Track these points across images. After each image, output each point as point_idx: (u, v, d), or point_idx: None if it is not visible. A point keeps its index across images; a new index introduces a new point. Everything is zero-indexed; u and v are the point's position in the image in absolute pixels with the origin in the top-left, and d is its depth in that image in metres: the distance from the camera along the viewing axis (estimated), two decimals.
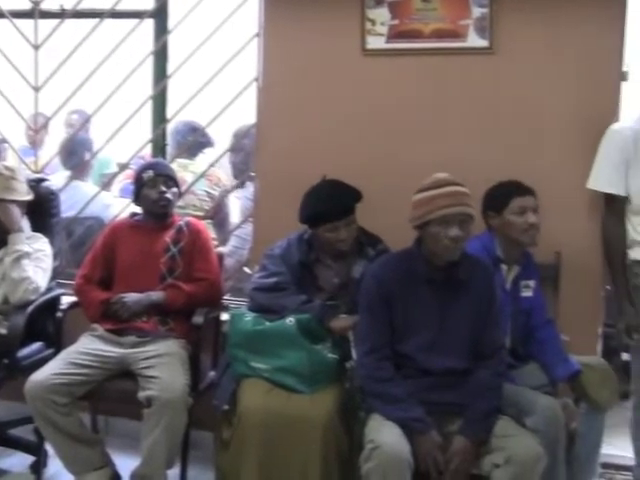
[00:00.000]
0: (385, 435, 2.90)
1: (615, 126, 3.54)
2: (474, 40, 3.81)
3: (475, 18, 3.79)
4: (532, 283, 3.55)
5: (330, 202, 3.43)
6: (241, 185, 4.88)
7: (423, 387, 3.06)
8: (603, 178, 3.52)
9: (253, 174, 4.37)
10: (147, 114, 4.56)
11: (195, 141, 4.90)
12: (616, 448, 3.96)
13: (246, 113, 4.36)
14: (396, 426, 2.94)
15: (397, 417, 2.97)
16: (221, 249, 4.44)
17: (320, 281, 3.54)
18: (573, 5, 3.72)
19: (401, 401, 3.01)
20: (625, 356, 4.16)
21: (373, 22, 3.89)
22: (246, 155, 4.85)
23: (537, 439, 2.98)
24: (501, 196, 3.44)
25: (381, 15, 3.87)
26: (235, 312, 3.53)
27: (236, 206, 5.07)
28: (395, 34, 3.88)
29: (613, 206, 3.54)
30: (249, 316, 3.44)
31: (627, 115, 3.68)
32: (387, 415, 2.99)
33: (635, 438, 3.63)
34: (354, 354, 3.26)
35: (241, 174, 4.86)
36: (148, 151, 4.71)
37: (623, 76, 3.77)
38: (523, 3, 3.77)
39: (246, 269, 4.36)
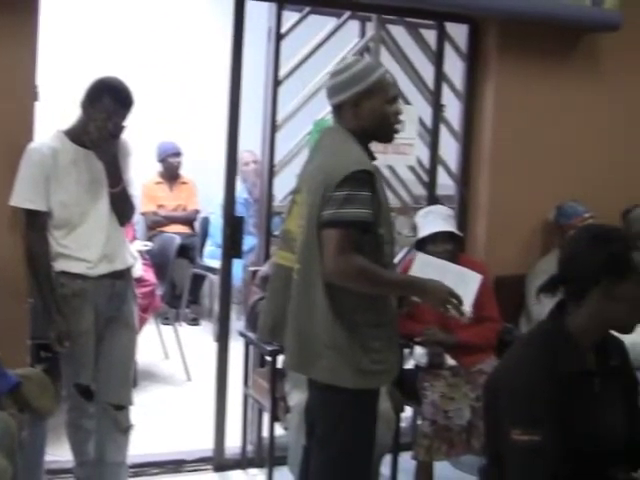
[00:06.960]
0: None
1: (33, 144, 3.63)
2: None
3: None
4: None
5: None
6: None
7: None
8: (24, 195, 3.57)
9: None
10: None
11: None
12: (54, 455, 4.06)
13: None
14: None
15: None
16: None
17: None
18: None
19: None
20: (38, 367, 4.25)
21: None
22: None
23: None
24: None
25: None
26: None
27: None
28: None
29: (35, 221, 3.60)
30: None
31: (43, 134, 3.80)
32: None
33: (70, 437, 3.78)
34: None
35: None
36: None
37: (35, 96, 3.91)
38: None
39: None
